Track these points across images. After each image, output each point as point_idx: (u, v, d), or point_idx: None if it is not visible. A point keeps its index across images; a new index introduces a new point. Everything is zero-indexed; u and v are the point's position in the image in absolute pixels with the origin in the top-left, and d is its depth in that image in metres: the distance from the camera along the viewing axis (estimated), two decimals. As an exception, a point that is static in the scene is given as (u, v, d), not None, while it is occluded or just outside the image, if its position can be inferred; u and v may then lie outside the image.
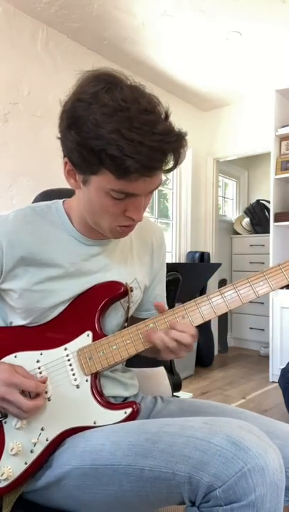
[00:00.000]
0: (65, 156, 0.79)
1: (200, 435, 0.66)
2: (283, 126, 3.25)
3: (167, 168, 0.75)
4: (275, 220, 3.26)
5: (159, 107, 0.74)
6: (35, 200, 1.15)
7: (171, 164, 0.75)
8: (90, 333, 0.84)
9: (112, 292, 0.86)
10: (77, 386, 0.82)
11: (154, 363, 1.13)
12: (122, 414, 0.79)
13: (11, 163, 2.49)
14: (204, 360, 3.61)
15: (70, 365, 0.83)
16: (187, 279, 2.52)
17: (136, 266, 0.95)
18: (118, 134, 0.67)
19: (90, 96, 0.71)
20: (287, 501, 0.84)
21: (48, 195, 1.13)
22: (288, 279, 0.79)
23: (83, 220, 0.86)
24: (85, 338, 0.83)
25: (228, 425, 0.67)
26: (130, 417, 0.78)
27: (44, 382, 0.81)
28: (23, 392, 0.77)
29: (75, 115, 0.73)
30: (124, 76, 0.76)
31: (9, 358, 0.84)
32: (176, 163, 0.76)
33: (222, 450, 0.63)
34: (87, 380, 0.82)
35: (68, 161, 0.78)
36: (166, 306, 0.87)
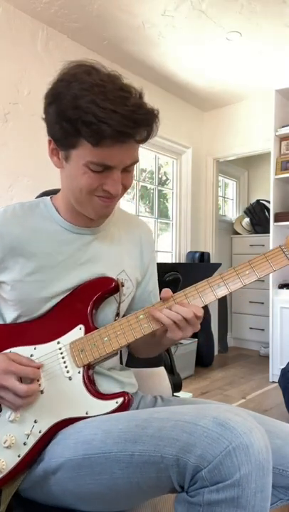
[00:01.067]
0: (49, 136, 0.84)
1: (188, 418, 0.67)
2: (283, 126, 3.25)
3: (139, 138, 0.79)
4: (275, 220, 3.26)
5: (133, 89, 0.79)
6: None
7: (143, 136, 0.80)
8: (82, 326, 0.86)
9: (104, 287, 0.88)
10: (70, 378, 0.83)
11: (154, 363, 1.13)
12: (113, 404, 0.80)
13: (11, 163, 2.49)
14: (204, 360, 3.61)
15: (63, 357, 0.84)
16: (187, 279, 2.52)
17: (125, 258, 0.97)
18: (93, 104, 0.73)
19: (70, 76, 0.78)
20: (288, 500, 0.84)
21: (48, 196, 1.13)
22: (273, 267, 0.82)
23: (70, 208, 0.89)
24: (78, 332, 0.85)
25: (216, 409, 0.68)
26: (122, 407, 0.79)
27: (39, 367, 0.83)
28: (19, 379, 0.79)
29: (55, 92, 0.79)
30: (103, 67, 0.82)
31: None
32: (148, 136, 0.81)
33: (208, 431, 0.64)
34: (79, 372, 0.83)
35: (52, 139, 0.83)
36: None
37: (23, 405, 0.80)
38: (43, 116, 0.83)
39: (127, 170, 0.83)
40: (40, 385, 0.83)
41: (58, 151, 0.83)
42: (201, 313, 0.82)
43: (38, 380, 0.83)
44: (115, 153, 0.77)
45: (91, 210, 0.86)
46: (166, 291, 0.85)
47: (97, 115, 0.73)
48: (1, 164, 2.45)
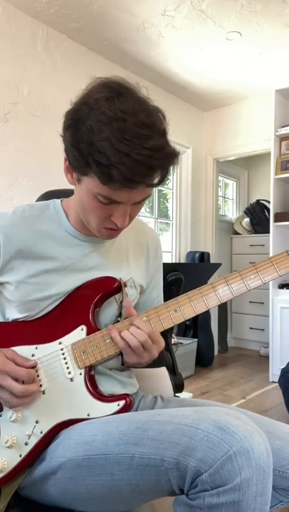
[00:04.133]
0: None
1: (188, 422, 0.67)
2: (283, 126, 3.25)
3: (151, 183, 0.76)
4: (275, 220, 3.26)
5: (157, 123, 0.75)
6: (38, 201, 1.15)
7: (156, 180, 0.77)
8: (84, 327, 0.85)
9: (106, 287, 0.87)
10: (71, 379, 0.83)
11: (156, 363, 1.13)
12: (114, 406, 0.80)
13: (11, 163, 2.49)
14: (204, 360, 3.61)
15: (65, 358, 0.84)
16: (187, 279, 2.51)
17: (132, 266, 0.96)
18: (108, 143, 0.69)
19: (93, 101, 0.74)
20: (288, 502, 0.84)
21: (51, 196, 1.13)
22: (279, 272, 0.81)
23: (79, 219, 0.88)
24: (79, 332, 0.85)
25: (216, 412, 0.68)
26: (123, 410, 0.80)
27: (35, 366, 0.82)
28: (16, 379, 0.78)
29: (75, 117, 0.76)
30: (135, 87, 0.77)
31: None
32: (162, 180, 0.78)
33: (209, 435, 0.64)
34: (81, 374, 0.83)
35: (66, 159, 0.81)
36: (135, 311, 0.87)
37: (18, 405, 0.79)
38: (61, 133, 0.80)
39: (137, 202, 0.81)
40: (41, 385, 0.83)
41: (72, 170, 0.81)
42: (156, 337, 0.81)
43: (40, 386, 0.82)
44: (124, 193, 0.75)
45: (98, 234, 0.86)
46: (130, 310, 0.84)
47: (109, 158, 0.69)
48: (1, 164, 2.44)
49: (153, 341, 0.81)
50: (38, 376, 0.83)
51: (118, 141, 0.69)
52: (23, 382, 0.79)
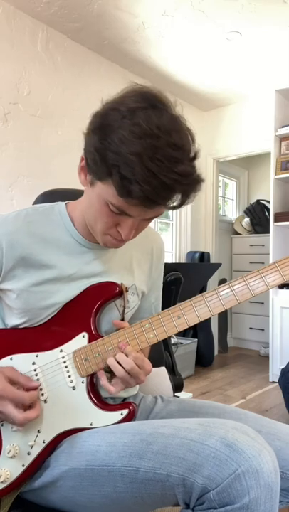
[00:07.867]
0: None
1: (194, 437, 0.66)
2: (283, 126, 3.25)
3: (170, 206, 0.75)
4: (275, 220, 3.26)
5: (188, 145, 0.73)
6: (37, 200, 1.14)
7: (175, 204, 0.75)
8: (85, 334, 0.84)
9: (107, 293, 0.86)
10: (74, 388, 0.82)
11: (155, 363, 1.13)
12: (118, 415, 0.79)
13: (11, 163, 2.49)
14: (204, 360, 3.61)
15: (66, 366, 0.82)
16: (187, 279, 2.52)
17: (135, 272, 0.95)
18: (138, 158, 0.67)
19: (127, 109, 0.70)
20: (288, 502, 0.84)
21: (50, 195, 1.13)
22: (284, 278, 0.78)
23: (85, 223, 0.86)
24: (81, 340, 0.83)
25: (222, 427, 0.67)
26: (127, 418, 0.78)
27: (36, 388, 0.80)
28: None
29: (104, 122, 0.72)
30: (171, 103, 0.75)
31: (5, 361, 0.84)
32: (182, 204, 0.76)
33: (216, 452, 0.63)
34: (83, 382, 0.82)
35: (84, 159, 0.78)
36: (127, 324, 0.85)
37: (21, 426, 0.79)
38: (84, 131, 0.76)
39: (147, 219, 0.79)
40: (42, 394, 0.82)
41: (87, 172, 0.78)
42: (140, 363, 0.79)
43: (42, 394, 0.81)
44: (138, 210, 0.74)
45: (101, 241, 0.84)
46: (119, 323, 0.84)
47: (136, 174, 0.67)
48: (1, 164, 2.44)
49: (139, 367, 0.79)
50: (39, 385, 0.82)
51: (149, 158, 0.66)
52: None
